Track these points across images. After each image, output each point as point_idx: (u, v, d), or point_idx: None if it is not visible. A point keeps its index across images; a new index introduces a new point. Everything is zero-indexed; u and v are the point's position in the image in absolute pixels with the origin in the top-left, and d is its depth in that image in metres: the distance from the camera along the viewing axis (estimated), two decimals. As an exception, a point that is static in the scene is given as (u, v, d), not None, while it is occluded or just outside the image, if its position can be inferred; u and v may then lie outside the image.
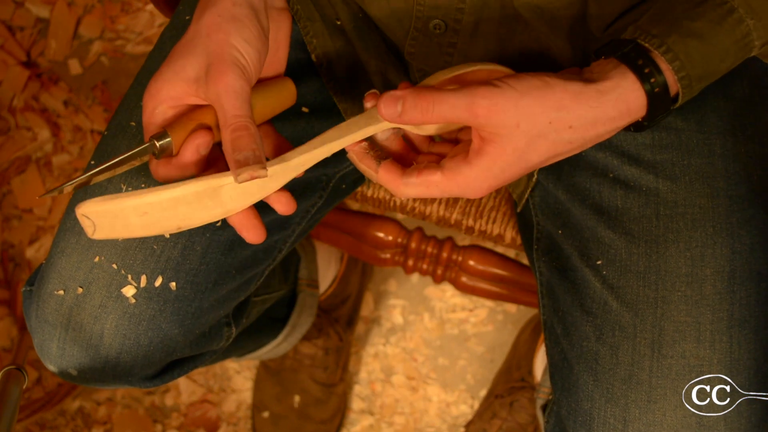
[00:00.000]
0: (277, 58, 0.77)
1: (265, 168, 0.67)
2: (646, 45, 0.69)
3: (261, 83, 0.77)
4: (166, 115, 0.72)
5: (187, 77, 0.70)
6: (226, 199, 0.70)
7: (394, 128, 0.73)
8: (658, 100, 0.69)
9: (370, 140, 0.74)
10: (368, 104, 0.73)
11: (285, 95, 0.78)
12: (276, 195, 0.72)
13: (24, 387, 0.85)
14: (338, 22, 0.87)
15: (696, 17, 0.69)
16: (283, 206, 0.73)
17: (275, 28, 0.76)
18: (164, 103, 0.71)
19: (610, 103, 0.68)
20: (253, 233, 0.72)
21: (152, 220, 0.69)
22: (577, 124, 0.68)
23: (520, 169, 0.69)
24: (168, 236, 0.81)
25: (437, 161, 0.72)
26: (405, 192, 0.71)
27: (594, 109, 0.68)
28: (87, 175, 0.70)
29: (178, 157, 0.71)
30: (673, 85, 0.69)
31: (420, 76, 0.88)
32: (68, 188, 0.69)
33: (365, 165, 0.73)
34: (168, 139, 0.70)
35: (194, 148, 0.70)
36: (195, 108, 0.72)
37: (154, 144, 0.70)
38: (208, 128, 0.71)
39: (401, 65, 0.90)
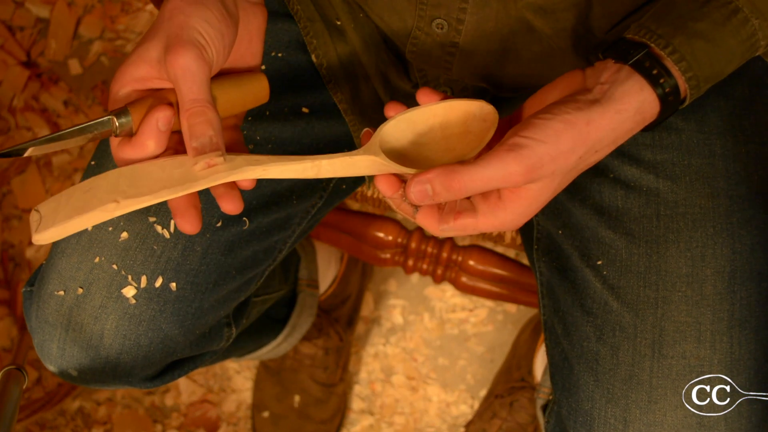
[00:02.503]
0: (251, 51, 0.76)
1: (222, 155, 0.65)
2: (652, 45, 0.69)
3: (232, 75, 0.74)
4: (131, 97, 0.69)
5: (150, 59, 0.68)
6: (164, 179, 0.66)
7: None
8: (670, 103, 0.69)
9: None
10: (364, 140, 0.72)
11: (257, 89, 0.75)
12: (226, 190, 0.68)
13: (24, 387, 0.85)
14: (338, 23, 0.87)
15: (700, 18, 0.69)
16: (230, 204, 0.69)
17: (247, 19, 0.74)
18: (128, 86, 0.69)
19: (629, 120, 0.68)
20: (188, 223, 0.68)
21: (93, 195, 0.66)
22: (601, 146, 0.68)
23: (551, 198, 0.70)
24: (168, 236, 0.81)
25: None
26: (443, 234, 0.71)
27: (615, 131, 0.68)
28: (27, 143, 0.66)
29: (137, 134, 0.68)
30: (683, 86, 0.69)
31: (420, 76, 0.87)
32: None
33: (403, 211, 0.72)
34: (128, 116, 0.67)
35: (153, 123, 0.67)
36: (161, 90, 0.70)
37: (113, 120, 0.67)
38: (170, 104, 0.68)
39: (401, 65, 0.89)
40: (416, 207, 0.71)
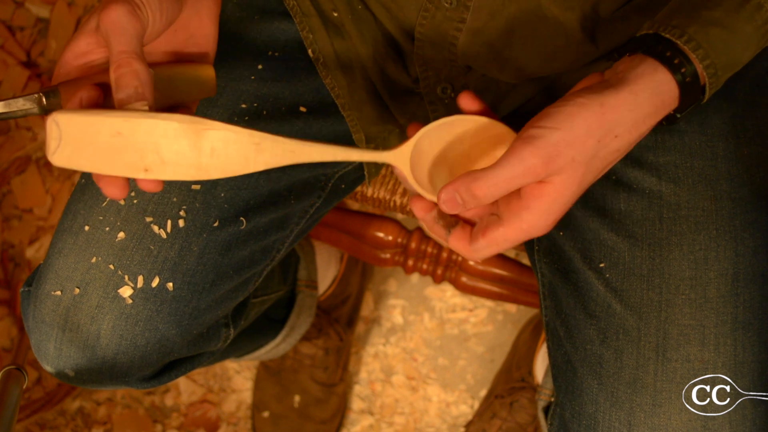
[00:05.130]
0: (202, 33, 0.75)
1: (148, 105, 0.64)
2: (668, 36, 0.68)
3: (177, 63, 0.74)
4: (71, 74, 0.68)
5: (90, 29, 0.68)
6: (206, 152, 0.66)
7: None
8: (690, 90, 0.69)
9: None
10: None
11: (202, 79, 0.74)
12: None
13: (24, 387, 0.85)
14: (335, 14, 0.87)
15: (714, 6, 0.69)
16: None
17: (198, 1, 0.74)
18: (70, 63, 0.68)
19: (646, 101, 0.67)
20: (117, 188, 0.66)
21: (122, 146, 0.64)
22: (620, 131, 0.67)
23: (580, 193, 0.68)
24: (165, 236, 0.81)
25: (491, 208, 0.71)
26: (478, 256, 0.70)
27: (633, 112, 0.67)
28: None
29: None
30: (702, 74, 0.69)
31: (421, 70, 0.87)
32: None
33: (435, 233, 0.71)
34: (57, 95, 0.66)
35: (77, 102, 0.66)
36: (97, 71, 0.68)
37: (40, 97, 0.66)
38: (98, 85, 0.67)
39: (400, 60, 0.89)
40: (449, 230, 0.71)
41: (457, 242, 0.70)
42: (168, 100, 0.72)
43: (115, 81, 0.64)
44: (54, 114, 0.64)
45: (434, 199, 0.70)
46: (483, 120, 0.72)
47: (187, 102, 0.74)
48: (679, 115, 0.70)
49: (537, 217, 0.67)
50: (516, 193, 0.68)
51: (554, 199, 0.67)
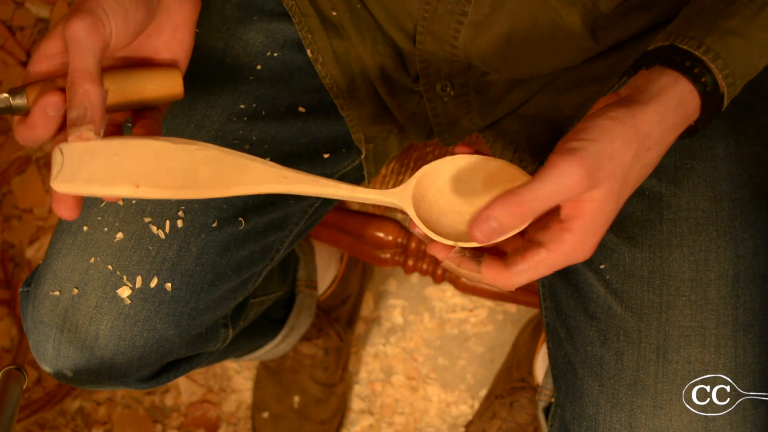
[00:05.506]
0: (176, 40, 0.74)
1: (94, 131, 0.64)
2: (685, 47, 0.68)
3: (145, 67, 0.74)
4: (41, 74, 0.68)
5: (60, 31, 0.68)
6: (198, 173, 0.67)
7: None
8: (710, 100, 0.68)
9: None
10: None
11: (168, 83, 0.74)
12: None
13: (24, 387, 0.85)
14: (334, 14, 0.87)
15: (729, 16, 0.68)
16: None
17: (171, 8, 0.72)
18: (40, 63, 0.68)
19: (672, 112, 0.67)
20: (67, 210, 0.68)
21: (116, 165, 0.66)
22: (651, 144, 0.66)
23: (618, 210, 0.67)
24: (163, 237, 0.81)
25: (523, 238, 0.69)
26: (515, 282, 0.67)
27: (661, 124, 0.67)
28: None
29: (29, 116, 0.67)
30: (721, 83, 0.68)
31: (422, 68, 0.87)
32: None
33: (466, 269, 0.69)
34: (24, 96, 0.67)
35: (42, 107, 0.65)
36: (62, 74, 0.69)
37: (7, 99, 0.67)
38: (62, 89, 0.67)
39: (399, 59, 0.89)
40: (479, 261, 0.68)
41: (490, 271, 0.68)
42: (133, 103, 0.72)
43: (69, 100, 0.65)
44: (60, 144, 0.66)
45: (446, 241, 0.69)
46: (479, 157, 0.71)
47: (154, 105, 0.74)
48: (699, 126, 0.70)
49: (580, 239, 0.66)
50: (556, 217, 0.67)
51: (595, 217, 0.65)
